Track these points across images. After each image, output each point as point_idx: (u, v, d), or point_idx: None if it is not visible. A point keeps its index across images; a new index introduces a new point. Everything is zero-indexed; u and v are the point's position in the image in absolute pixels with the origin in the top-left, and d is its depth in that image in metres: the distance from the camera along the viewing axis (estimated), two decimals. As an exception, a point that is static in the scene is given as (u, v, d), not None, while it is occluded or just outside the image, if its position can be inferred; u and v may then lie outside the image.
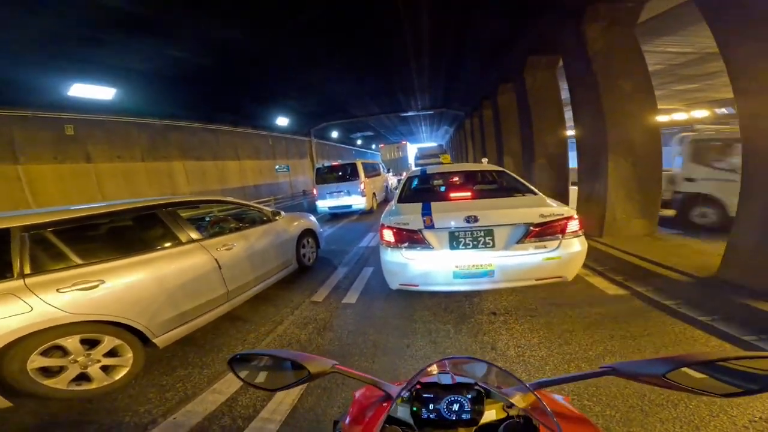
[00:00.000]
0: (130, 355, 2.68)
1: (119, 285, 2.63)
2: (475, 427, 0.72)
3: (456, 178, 5.02)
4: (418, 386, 0.76)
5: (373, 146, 36.62)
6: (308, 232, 5.41)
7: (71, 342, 2.40)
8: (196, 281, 3.18)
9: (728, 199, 5.60)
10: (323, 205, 11.59)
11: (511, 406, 0.71)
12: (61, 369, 2.40)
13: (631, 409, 1.97)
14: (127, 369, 2.66)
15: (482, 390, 0.73)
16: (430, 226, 3.14)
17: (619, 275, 4.09)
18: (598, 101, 5.05)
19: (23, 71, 6.55)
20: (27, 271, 2.32)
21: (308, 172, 20.35)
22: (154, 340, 2.79)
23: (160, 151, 10.79)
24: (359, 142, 32.56)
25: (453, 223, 3.12)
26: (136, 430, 2.19)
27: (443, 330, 3.12)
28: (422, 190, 4.66)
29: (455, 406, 0.71)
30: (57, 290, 2.34)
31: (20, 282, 2.25)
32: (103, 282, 2.54)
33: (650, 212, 5.08)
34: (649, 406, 1.98)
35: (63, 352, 2.40)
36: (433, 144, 34.34)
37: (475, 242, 3.10)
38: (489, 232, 3.08)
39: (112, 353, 2.61)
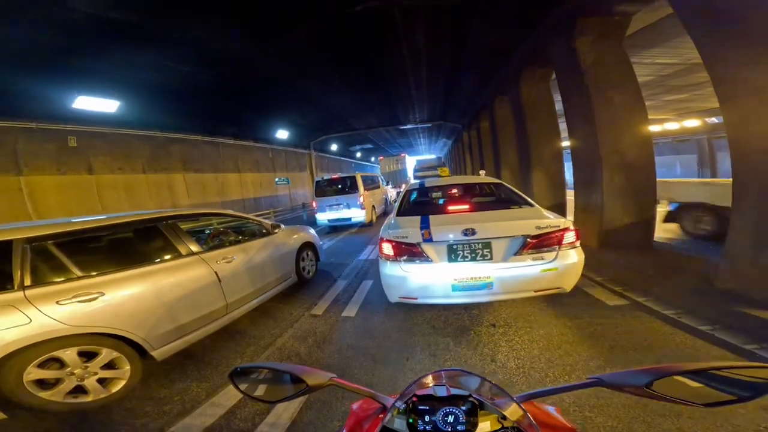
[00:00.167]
0: (127, 367, 2.66)
1: (119, 297, 2.63)
2: None
3: (454, 191, 5.07)
4: (414, 398, 0.77)
5: (373, 159, 36.90)
6: (308, 245, 5.42)
7: (69, 354, 2.39)
8: (196, 294, 3.18)
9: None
10: (323, 217, 11.61)
11: (504, 417, 0.72)
12: (57, 381, 2.38)
13: (633, 420, 1.95)
14: (125, 382, 2.64)
15: (476, 402, 0.74)
16: (429, 240, 3.16)
17: (618, 285, 4.08)
18: (590, 113, 5.15)
19: (30, 83, 6.67)
20: (27, 282, 2.33)
21: (308, 184, 20.46)
22: (153, 353, 2.77)
23: (161, 163, 10.88)
24: (359, 154, 32.83)
25: (451, 236, 3.14)
26: (133, 445, 2.16)
27: (443, 343, 3.11)
28: (421, 203, 4.70)
29: (450, 418, 0.72)
30: (57, 302, 2.34)
31: (20, 294, 2.26)
32: (102, 294, 2.55)
33: (647, 222, 5.11)
34: (651, 416, 1.96)
35: (60, 364, 2.39)
36: (432, 156, 34.65)
37: (473, 255, 3.11)
38: (487, 245, 3.10)
39: (109, 365, 2.59)
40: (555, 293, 3.17)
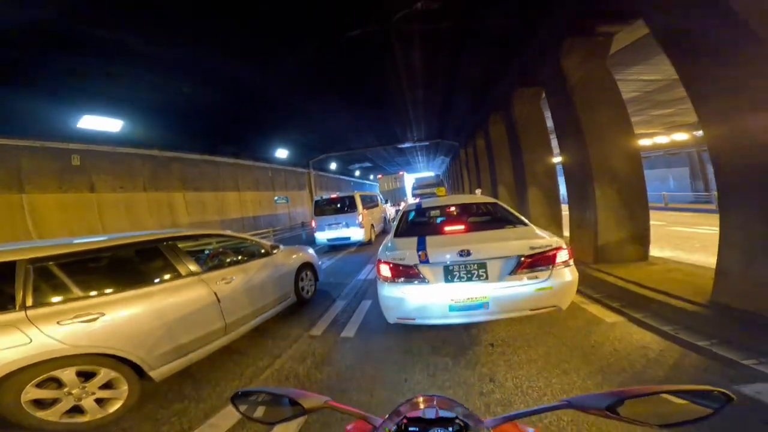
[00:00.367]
0: (125, 387, 2.66)
1: (119, 318, 2.66)
2: None
3: (450, 211, 5.18)
4: (404, 420, 0.80)
5: (371, 177, 37.17)
6: (307, 265, 5.44)
7: (67, 374, 2.40)
8: (195, 314, 3.20)
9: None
10: (322, 236, 11.66)
11: None
12: (54, 401, 2.39)
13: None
14: (122, 401, 2.64)
15: (463, 423, 0.78)
16: (425, 261, 3.22)
17: (615, 302, 4.10)
18: (579, 131, 5.29)
19: (36, 102, 6.81)
20: (29, 303, 2.36)
21: (307, 203, 20.55)
22: (151, 373, 2.78)
23: (161, 181, 10.95)
24: (357, 173, 33.11)
25: (447, 257, 3.20)
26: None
27: (441, 363, 3.11)
28: (418, 224, 4.78)
29: None
30: (57, 322, 2.37)
31: (22, 314, 2.29)
32: (102, 314, 2.57)
33: (641, 237, 5.15)
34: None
35: (58, 384, 2.39)
36: (431, 174, 34.96)
37: (469, 275, 3.16)
38: (482, 265, 3.15)
39: (107, 385, 2.60)
40: (551, 311, 3.20)
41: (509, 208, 4.32)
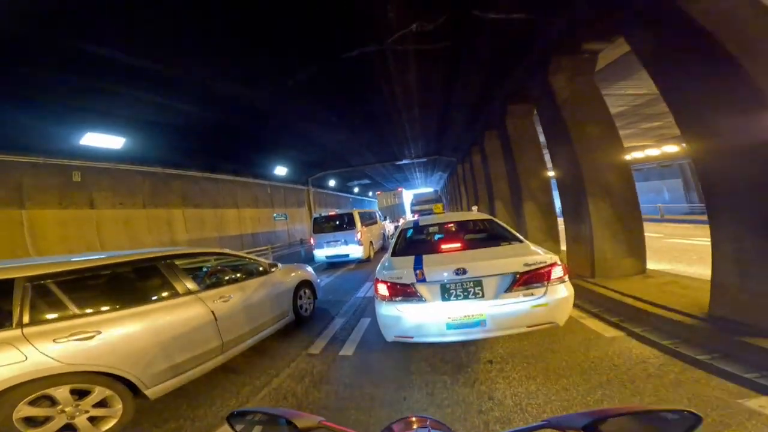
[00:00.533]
0: (119, 406, 2.63)
1: (115, 336, 2.65)
2: None
3: (446, 229, 5.25)
4: None
5: (370, 193, 37.34)
6: (305, 283, 5.44)
7: (61, 392, 2.38)
8: (192, 333, 3.18)
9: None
10: (320, 254, 11.64)
11: None
12: (47, 419, 2.35)
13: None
14: (116, 420, 2.60)
15: None
16: (422, 280, 3.24)
17: (614, 316, 4.09)
18: (570, 146, 5.40)
19: (40, 120, 6.92)
20: (26, 320, 2.36)
21: (306, 220, 20.57)
22: (146, 392, 2.75)
23: (161, 198, 10.99)
24: (356, 189, 33.28)
25: (444, 276, 3.23)
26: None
27: (440, 381, 3.08)
28: (415, 242, 4.83)
29: None
30: (53, 340, 2.36)
31: (18, 332, 2.29)
32: (99, 333, 2.57)
33: (637, 250, 5.18)
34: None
35: (51, 401, 2.37)
36: (429, 189, 35.17)
37: (465, 293, 3.17)
38: (478, 283, 3.17)
39: (101, 404, 2.57)
40: (549, 328, 3.19)
41: (504, 225, 4.37)
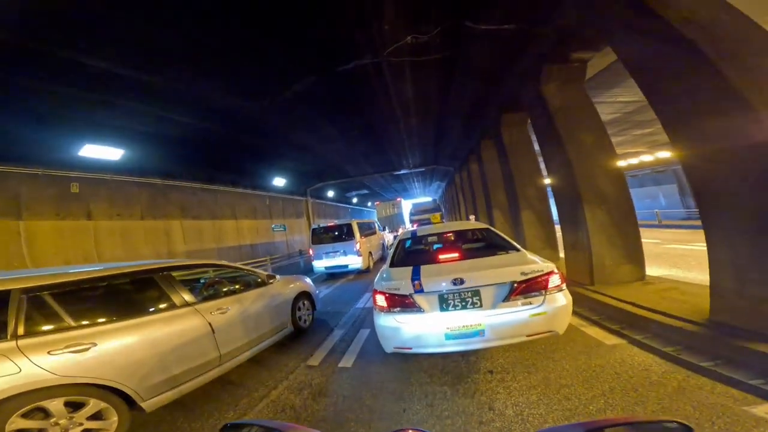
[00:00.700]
0: (115, 418, 2.59)
1: (111, 348, 2.63)
2: None
3: (444, 239, 5.26)
4: None
5: (369, 204, 37.40)
6: (304, 295, 5.41)
7: (55, 404, 2.35)
8: (189, 345, 3.16)
9: None
10: (319, 265, 11.60)
11: None
12: (40, 431, 2.31)
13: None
14: None
15: None
16: (420, 291, 3.23)
17: (615, 324, 4.06)
18: (564, 154, 5.45)
19: (39, 131, 6.94)
20: (20, 332, 2.35)
21: (305, 231, 20.52)
22: (142, 404, 2.72)
23: (159, 209, 10.96)
24: (355, 200, 33.33)
25: (442, 286, 3.21)
26: None
27: (440, 392, 3.04)
28: (413, 253, 4.83)
29: None
30: (48, 352, 2.35)
31: (12, 343, 2.27)
32: (94, 345, 2.55)
33: (636, 256, 5.17)
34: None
35: (45, 414, 2.33)
36: (428, 199, 35.25)
37: (463, 303, 3.16)
38: (476, 293, 3.16)
39: (96, 416, 2.53)
40: (549, 336, 3.16)
41: (501, 234, 4.37)
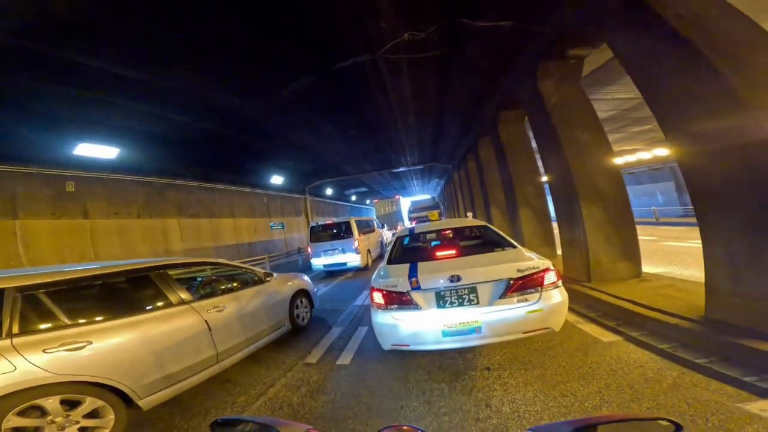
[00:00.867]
0: (111, 416, 2.60)
1: (107, 346, 2.63)
2: None
3: (441, 236, 5.26)
4: None
5: (368, 201, 37.37)
6: (302, 292, 5.41)
7: (51, 402, 2.35)
8: (186, 343, 3.16)
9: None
10: (318, 263, 11.60)
11: None
12: (36, 430, 2.32)
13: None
14: (108, 431, 2.56)
15: None
16: (417, 288, 3.24)
17: (611, 321, 4.08)
18: (561, 151, 5.46)
19: (33, 130, 6.91)
20: (15, 330, 2.35)
21: (303, 229, 20.50)
22: (139, 402, 2.73)
23: (156, 208, 10.92)
24: (354, 198, 33.29)
25: (439, 283, 3.22)
26: None
27: (437, 389, 3.05)
28: (410, 250, 4.84)
29: None
30: (43, 350, 2.35)
31: (7, 342, 2.27)
32: (90, 343, 2.55)
33: (632, 254, 5.19)
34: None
35: (41, 412, 2.34)
36: (427, 197, 35.23)
37: (460, 300, 3.17)
38: (473, 290, 3.17)
39: (92, 414, 2.53)
40: (545, 333, 3.18)
41: (498, 231, 4.38)
